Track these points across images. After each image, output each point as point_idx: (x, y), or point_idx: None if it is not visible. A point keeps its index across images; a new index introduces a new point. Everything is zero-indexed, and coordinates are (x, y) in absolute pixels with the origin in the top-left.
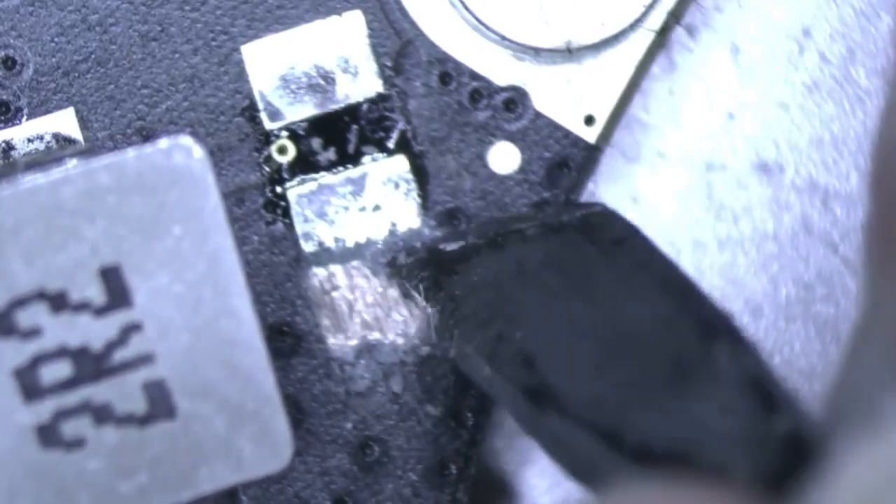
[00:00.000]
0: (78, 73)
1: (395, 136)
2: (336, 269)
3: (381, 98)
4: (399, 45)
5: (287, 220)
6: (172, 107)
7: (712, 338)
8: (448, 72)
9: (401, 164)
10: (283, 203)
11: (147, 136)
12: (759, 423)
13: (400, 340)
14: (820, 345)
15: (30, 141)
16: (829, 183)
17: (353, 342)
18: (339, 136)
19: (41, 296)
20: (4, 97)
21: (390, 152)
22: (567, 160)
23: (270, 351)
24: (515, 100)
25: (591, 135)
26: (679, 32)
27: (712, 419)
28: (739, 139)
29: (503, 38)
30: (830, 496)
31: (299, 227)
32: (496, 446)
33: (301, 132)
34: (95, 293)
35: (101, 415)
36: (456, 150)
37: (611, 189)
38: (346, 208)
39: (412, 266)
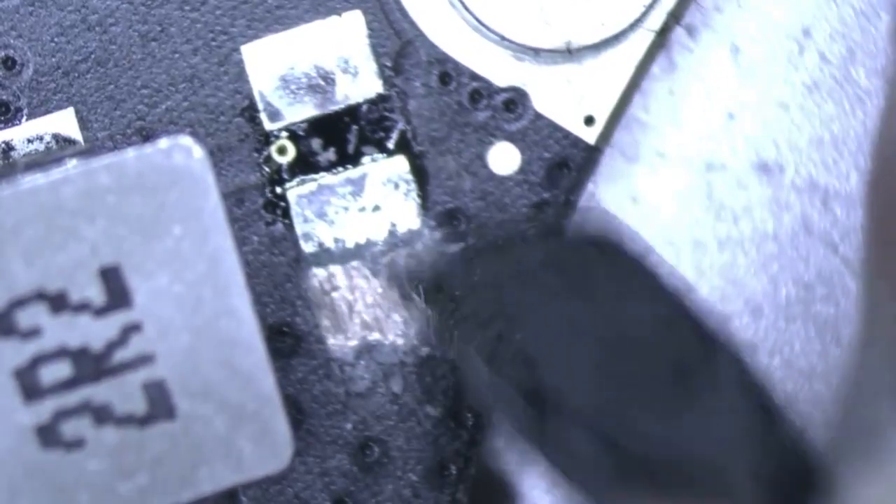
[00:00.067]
0: (78, 73)
1: (394, 136)
2: (336, 269)
3: (380, 98)
4: (399, 46)
5: (287, 221)
6: (172, 107)
7: (714, 348)
8: (448, 72)
9: (400, 164)
10: (282, 203)
11: (147, 136)
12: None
13: (400, 341)
14: (820, 345)
15: (30, 141)
16: (829, 183)
17: (353, 343)
18: (339, 136)
19: (41, 296)
20: (4, 97)
21: (390, 153)
22: (567, 160)
23: (270, 351)
24: (515, 100)
25: (590, 135)
26: (679, 32)
27: (713, 424)
28: (739, 139)
29: (503, 38)
30: None
31: (299, 228)
32: (496, 446)
33: (301, 133)
34: (95, 293)
35: (101, 415)
36: (456, 151)
37: (611, 189)
38: (346, 209)
39: (412, 268)
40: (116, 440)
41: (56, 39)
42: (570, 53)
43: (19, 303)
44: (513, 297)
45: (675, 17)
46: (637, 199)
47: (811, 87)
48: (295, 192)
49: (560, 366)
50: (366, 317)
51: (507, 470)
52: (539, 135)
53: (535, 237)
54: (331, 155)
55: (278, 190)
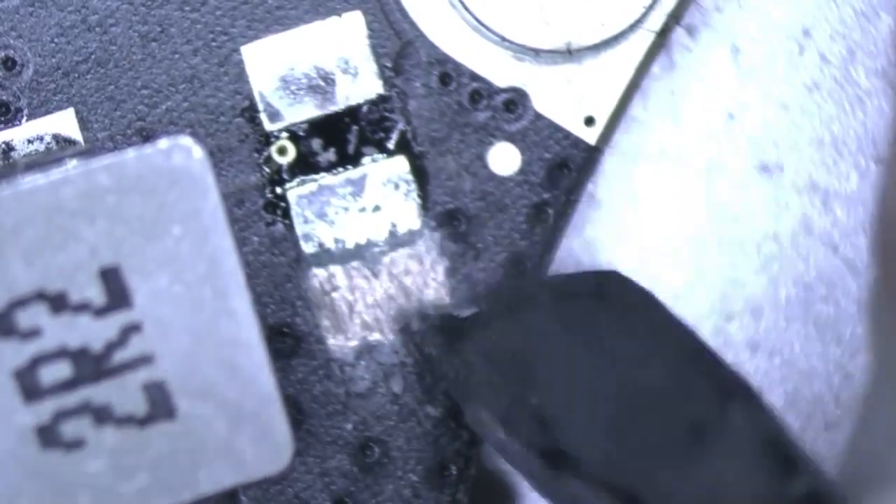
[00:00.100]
0: (78, 73)
1: (394, 136)
2: (336, 269)
3: (381, 99)
4: (399, 46)
5: (287, 221)
6: (172, 107)
7: (728, 399)
8: (448, 72)
9: (401, 164)
10: (282, 204)
11: (147, 136)
12: (777, 485)
13: (400, 341)
14: (820, 345)
15: (30, 142)
16: (829, 183)
17: (354, 343)
18: (339, 136)
19: (41, 296)
20: (4, 98)
21: (390, 153)
22: (567, 161)
23: (270, 352)
24: (515, 100)
25: (591, 136)
26: (679, 32)
27: (730, 481)
28: (739, 139)
29: (503, 38)
30: None
31: (299, 228)
32: None
33: (301, 133)
34: (95, 294)
35: (101, 415)
36: (456, 151)
37: (611, 189)
38: (346, 209)
39: (426, 332)
40: (116, 440)
41: (56, 40)
42: (570, 54)
43: (19, 303)
44: (527, 360)
45: (675, 18)
46: (637, 198)
47: (811, 88)
48: (295, 192)
49: (576, 426)
50: (366, 317)
51: (507, 470)
52: (539, 135)
53: (547, 298)
54: (331, 155)
55: (278, 190)
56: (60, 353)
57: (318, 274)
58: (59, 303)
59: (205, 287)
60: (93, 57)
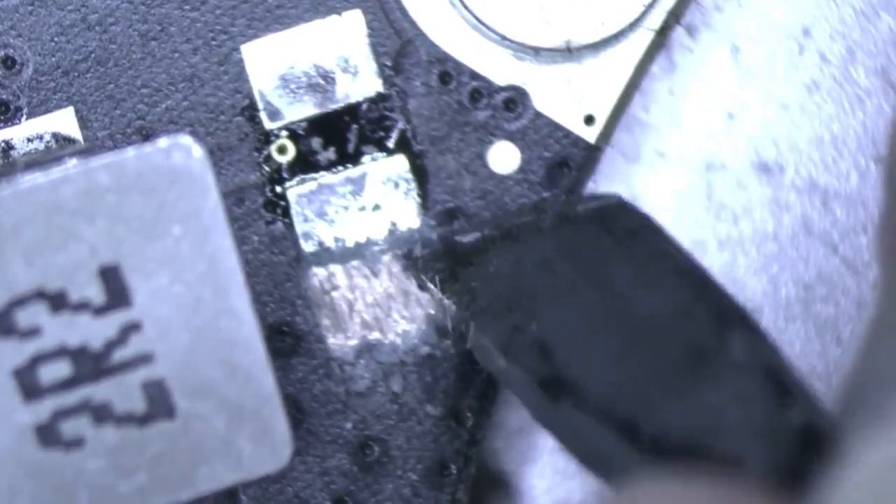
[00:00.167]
0: (78, 72)
1: (394, 135)
2: (336, 268)
3: (380, 97)
4: (399, 45)
5: (287, 220)
6: (172, 106)
7: (728, 327)
8: (448, 71)
9: (400, 163)
10: (282, 203)
11: (147, 135)
12: (774, 413)
13: (400, 340)
14: (820, 345)
15: (29, 140)
16: (829, 183)
17: (353, 342)
18: (339, 135)
19: (41, 295)
20: (4, 97)
21: (390, 152)
22: (567, 160)
23: (270, 351)
24: (515, 99)
25: (591, 134)
26: (679, 32)
27: (728, 409)
28: (739, 139)
29: (503, 37)
30: (840, 490)
31: (299, 227)
32: (496, 446)
33: (301, 132)
34: (95, 293)
35: (101, 414)
36: (456, 150)
37: (611, 189)
38: (346, 208)
39: (428, 258)
40: (116, 439)
41: (56, 39)
42: (570, 53)
43: (19, 302)
44: (528, 288)
45: (675, 17)
46: (637, 198)
47: (811, 87)
48: (295, 191)
49: (576, 354)
50: (366, 316)
51: (507, 470)
52: (539, 134)
53: (550, 226)
54: (331, 154)
55: (278, 189)
56: (60, 352)
57: (318, 273)
58: (58, 302)
59: (205, 286)
60: (92, 56)
